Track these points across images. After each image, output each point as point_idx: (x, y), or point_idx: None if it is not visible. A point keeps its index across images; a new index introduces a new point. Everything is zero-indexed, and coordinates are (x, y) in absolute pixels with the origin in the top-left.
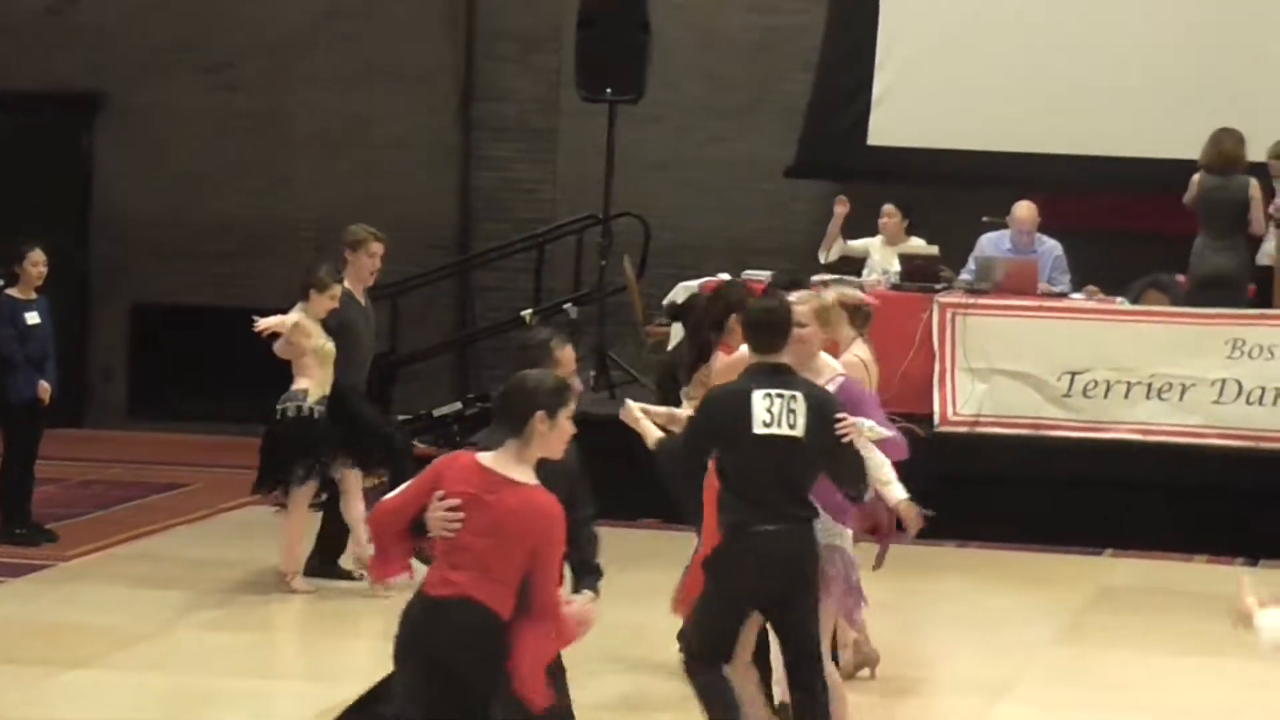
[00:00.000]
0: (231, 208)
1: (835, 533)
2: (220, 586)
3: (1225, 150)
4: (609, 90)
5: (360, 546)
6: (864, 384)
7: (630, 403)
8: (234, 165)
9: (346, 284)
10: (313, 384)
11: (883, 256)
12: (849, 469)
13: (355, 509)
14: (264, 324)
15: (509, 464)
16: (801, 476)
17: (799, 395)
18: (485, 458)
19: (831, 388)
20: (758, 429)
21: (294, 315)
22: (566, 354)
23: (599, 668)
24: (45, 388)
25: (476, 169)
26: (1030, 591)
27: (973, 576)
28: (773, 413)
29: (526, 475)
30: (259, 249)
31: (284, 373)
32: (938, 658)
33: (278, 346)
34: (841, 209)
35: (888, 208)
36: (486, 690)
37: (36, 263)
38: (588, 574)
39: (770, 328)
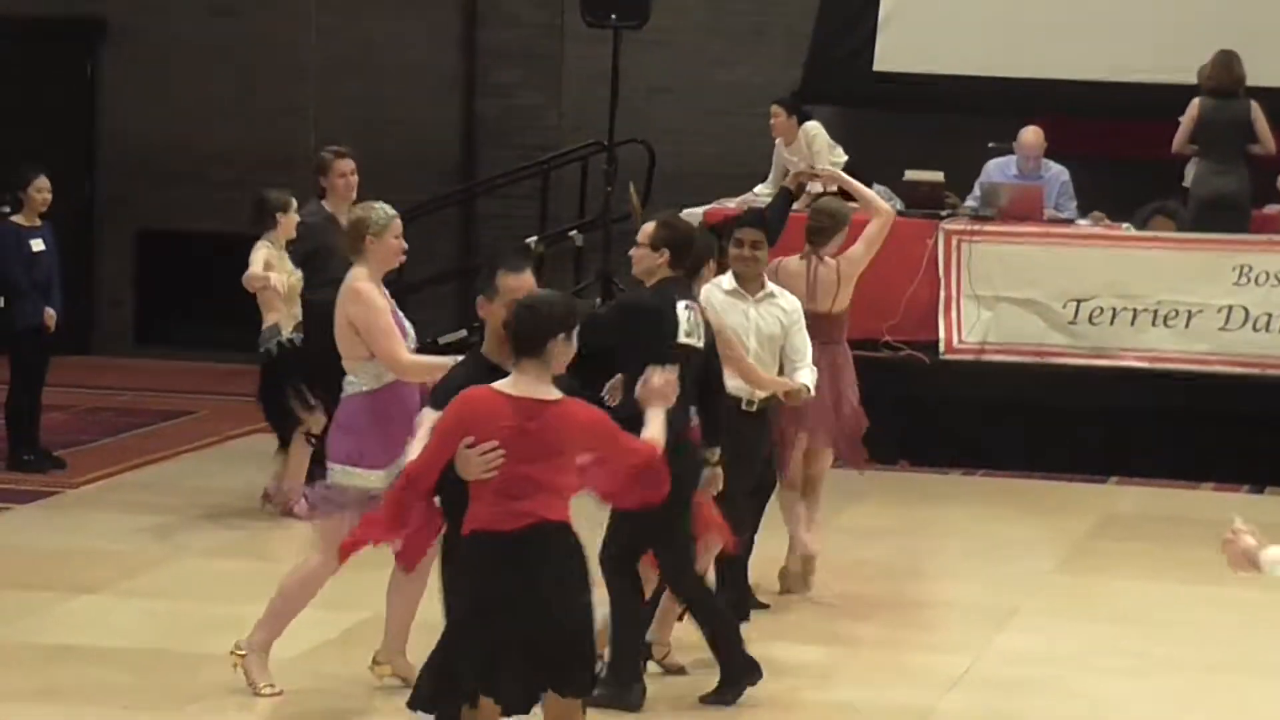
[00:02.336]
0: (236, 134)
1: None
2: (226, 513)
3: (1233, 73)
4: (613, 16)
5: (292, 480)
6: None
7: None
8: (239, 92)
9: (328, 206)
10: (281, 317)
11: (800, 158)
12: None
13: (304, 447)
14: (264, 283)
15: (535, 386)
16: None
17: (701, 312)
18: (504, 387)
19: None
20: (681, 338)
21: (268, 267)
22: (509, 283)
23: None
24: (51, 315)
25: (481, 96)
26: (1034, 519)
27: (976, 504)
28: (687, 322)
29: (554, 392)
30: (264, 176)
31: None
32: (942, 586)
33: (246, 279)
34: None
35: (773, 108)
36: (575, 610)
37: (41, 189)
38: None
39: (699, 247)
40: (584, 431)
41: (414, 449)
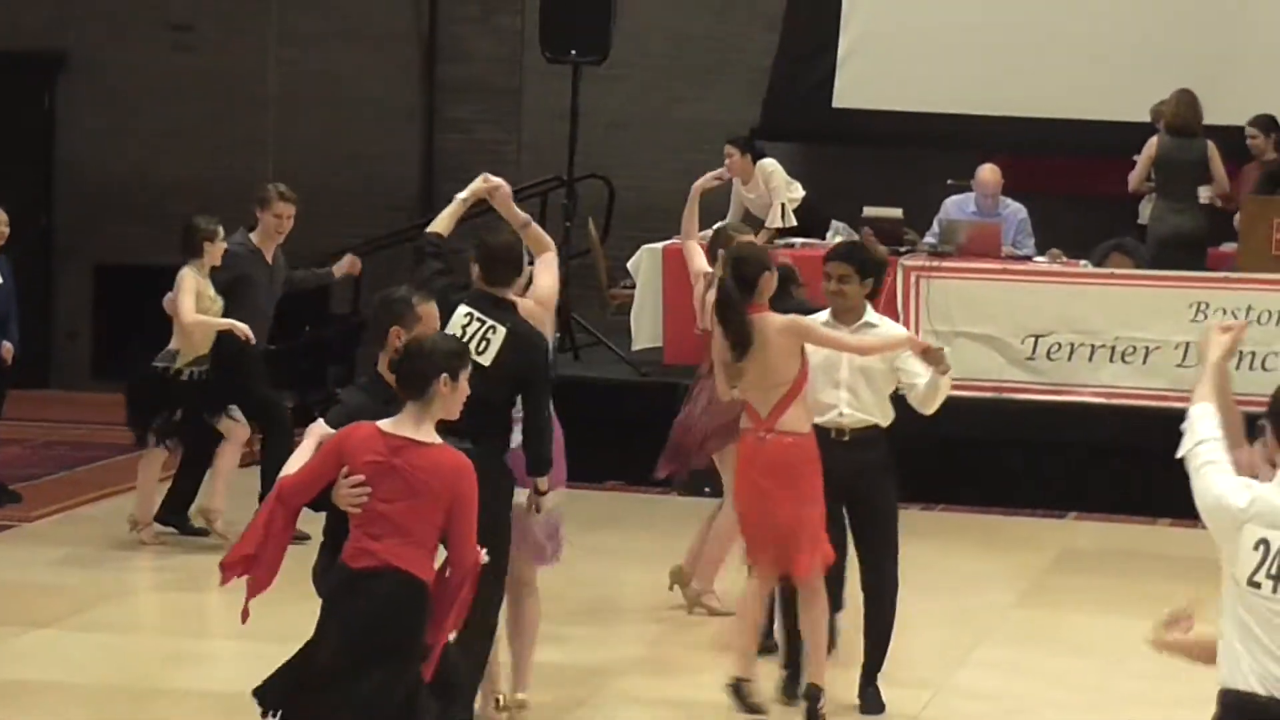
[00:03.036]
0: (195, 168)
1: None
2: (183, 547)
3: (1197, 112)
4: (573, 51)
5: (214, 498)
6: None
7: None
8: (197, 125)
9: (255, 240)
10: (185, 345)
11: (758, 196)
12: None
13: (229, 460)
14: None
15: (411, 427)
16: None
17: (500, 329)
18: (386, 424)
19: None
20: None
21: (199, 298)
22: (429, 310)
23: (569, 619)
24: (8, 348)
25: (440, 130)
26: (994, 554)
27: (936, 540)
28: (467, 331)
29: (430, 435)
30: (222, 209)
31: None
32: (902, 621)
33: (166, 302)
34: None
35: (727, 148)
36: (408, 658)
37: None
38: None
39: (503, 262)
40: (448, 483)
41: (295, 460)
